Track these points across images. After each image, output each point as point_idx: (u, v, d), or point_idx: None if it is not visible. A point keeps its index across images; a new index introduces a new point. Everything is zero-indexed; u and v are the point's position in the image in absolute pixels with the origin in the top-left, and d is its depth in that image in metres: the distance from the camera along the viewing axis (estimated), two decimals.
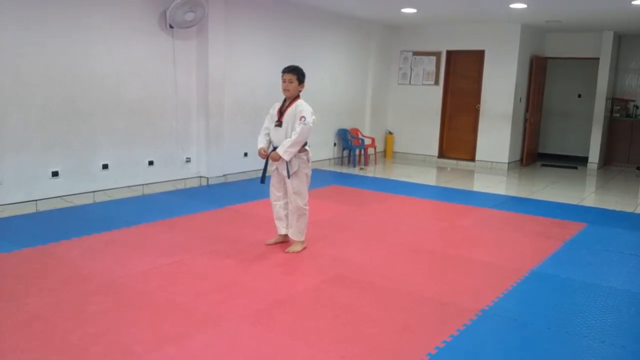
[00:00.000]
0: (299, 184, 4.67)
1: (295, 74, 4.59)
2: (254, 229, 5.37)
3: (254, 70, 7.96)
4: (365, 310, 3.61)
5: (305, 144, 4.65)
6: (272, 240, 4.94)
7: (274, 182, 4.81)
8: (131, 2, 6.44)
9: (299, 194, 4.68)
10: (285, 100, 4.67)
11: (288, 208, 4.79)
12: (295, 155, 4.58)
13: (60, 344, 3.00)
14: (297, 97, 4.65)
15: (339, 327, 3.34)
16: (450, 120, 10.96)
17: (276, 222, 4.89)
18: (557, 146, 12.10)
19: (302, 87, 4.65)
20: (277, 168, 4.70)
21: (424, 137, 11.12)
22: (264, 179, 4.80)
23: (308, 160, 4.72)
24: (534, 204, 7.23)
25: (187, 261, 4.42)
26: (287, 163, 4.58)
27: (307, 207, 4.75)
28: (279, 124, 4.62)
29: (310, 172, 4.77)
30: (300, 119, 4.50)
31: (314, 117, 4.57)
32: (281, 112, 4.63)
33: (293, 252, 4.71)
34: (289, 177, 4.61)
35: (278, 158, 4.55)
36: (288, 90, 4.60)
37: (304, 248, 4.80)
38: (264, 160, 4.75)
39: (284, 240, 4.93)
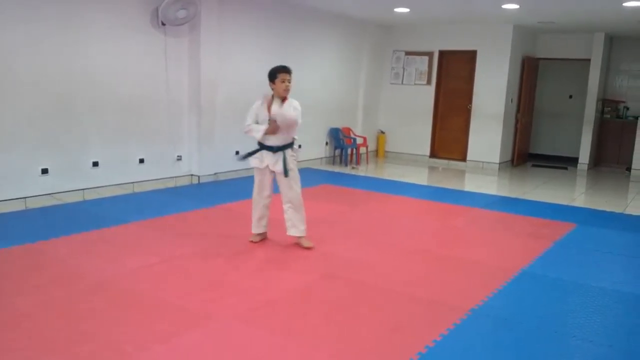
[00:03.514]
0: (296, 180, 4.77)
1: (290, 74, 4.63)
2: (245, 228, 5.33)
3: (246, 68, 7.94)
4: (356, 309, 3.62)
5: (293, 142, 4.73)
6: (256, 239, 4.96)
7: (264, 182, 4.81)
8: None
9: (298, 189, 4.78)
10: (272, 98, 4.67)
11: (269, 206, 4.90)
12: (290, 154, 4.69)
13: (50, 342, 2.98)
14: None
15: (329, 326, 3.34)
16: (442, 120, 10.98)
17: (258, 220, 4.92)
18: (548, 147, 12.16)
19: None
20: (267, 165, 4.71)
21: (415, 137, 11.13)
22: (245, 157, 4.81)
23: (297, 159, 4.84)
24: (524, 204, 7.26)
25: (178, 260, 4.40)
26: (285, 161, 4.63)
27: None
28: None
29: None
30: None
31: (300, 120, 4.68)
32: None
33: (311, 246, 4.82)
34: (286, 175, 4.65)
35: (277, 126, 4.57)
36: (289, 91, 4.63)
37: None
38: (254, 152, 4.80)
39: (266, 237, 5.01)
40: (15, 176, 5.62)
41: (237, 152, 7.94)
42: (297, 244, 4.87)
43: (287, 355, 2.98)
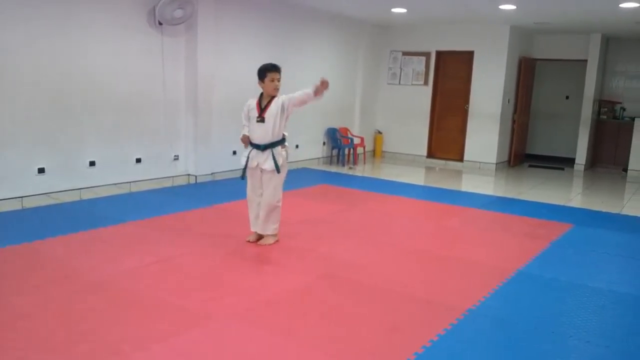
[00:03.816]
0: (278, 181, 4.75)
1: (279, 72, 4.64)
2: (243, 227, 5.33)
3: (243, 67, 7.93)
4: (354, 309, 3.62)
5: (284, 139, 4.72)
6: (252, 237, 4.94)
7: (253, 182, 4.82)
8: None
9: (276, 191, 4.75)
10: (262, 96, 4.69)
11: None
12: (278, 152, 4.68)
13: (46, 342, 2.97)
14: None
15: (327, 326, 3.34)
16: (439, 121, 11.00)
17: (256, 219, 4.90)
18: (545, 147, 12.18)
19: None
20: (258, 164, 4.71)
21: (412, 137, 11.15)
22: (244, 174, 4.83)
23: (287, 157, 4.82)
24: (521, 204, 7.28)
25: (175, 260, 4.39)
26: (275, 158, 4.62)
27: (281, 204, 4.83)
28: (261, 119, 4.62)
29: (286, 169, 4.86)
30: (290, 106, 4.61)
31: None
32: (262, 109, 4.65)
33: (266, 245, 4.80)
34: (278, 171, 4.65)
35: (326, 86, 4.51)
36: (278, 90, 4.63)
37: (276, 241, 4.90)
38: (245, 158, 4.79)
39: (263, 237, 4.98)
40: (11, 175, 5.61)
41: (234, 152, 7.95)
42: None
43: (286, 355, 2.97)
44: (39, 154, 5.82)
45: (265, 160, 4.66)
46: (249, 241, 4.92)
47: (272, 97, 4.65)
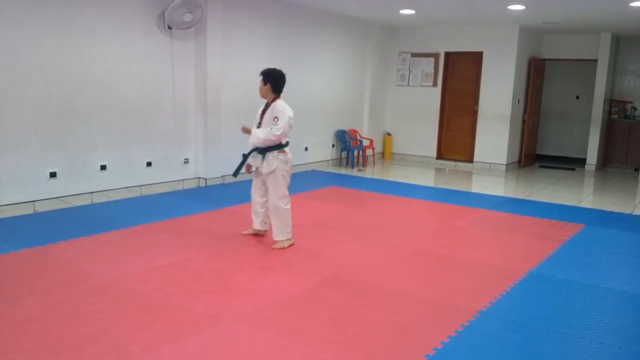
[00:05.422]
0: (276, 184, 4.80)
1: (261, 75, 4.78)
2: None
3: (251, 71, 7.86)
4: (362, 311, 3.61)
5: (287, 144, 4.79)
6: (246, 231, 5.19)
7: (255, 182, 5.01)
8: (129, 2, 6.44)
9: (276, 194, 4.81)
10: (267, 104, 4.86)
11: (267, 207, 4.97)
12: (274, 156, 4.75)
13: (56, 344, 3.00)
14: (276, 97, 4.79)
15: (335, 328, 3.34)
16: (449, 122, 10.96)
17: (252, 216, 5.12)
18: (555, 147, 12.11)
19: (268, 87, 4.76)
20: (257, 168, 4.85)
21: (422, 139, 11.12)
22: (237, 173, 4.93)
23: (286, 162, 4.82)
24: (531, 205, 7.24)
25: (184, 262, 4.41)
26: (263, 161, 4.76)
27: (288, 207, 4.85)
28: (259, 125, 4.81)
29: (287, 173, 4.86)
30: (274, 120, 4.65)
31: (291, 120, 4.67)
32: (263, 114, 4.82)
33: (280, 248, 4.84)
34: (263, 173, 4.80)
35: (248, 131, 4.77)
36: (260, 92, 4.80)
37: (292, 244, 4.91)
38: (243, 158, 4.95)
39: (257, 234, 5.15)
40: (23, 180, 5.65)
41: (243, 155, 7.95)
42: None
43: (292, 357, 2.98)
44: (51, 158, 5.86)
45: (261, 164, 4.79)
46: (243, 234, 5.14)
47: (271, 102, 4.78)
